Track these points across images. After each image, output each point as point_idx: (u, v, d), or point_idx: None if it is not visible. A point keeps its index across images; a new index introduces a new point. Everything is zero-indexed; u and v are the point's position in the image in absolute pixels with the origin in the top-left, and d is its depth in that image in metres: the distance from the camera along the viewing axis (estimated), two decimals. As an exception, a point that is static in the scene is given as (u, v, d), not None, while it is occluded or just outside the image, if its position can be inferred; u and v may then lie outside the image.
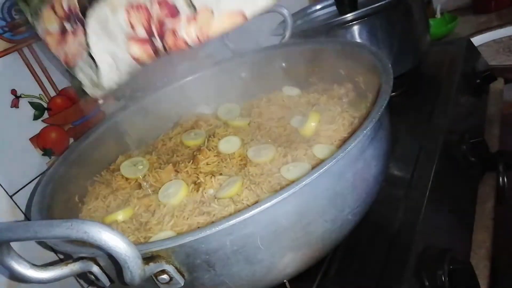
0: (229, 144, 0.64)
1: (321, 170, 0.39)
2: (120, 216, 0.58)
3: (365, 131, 0.43)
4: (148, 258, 0.40)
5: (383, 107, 0.46)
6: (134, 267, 0.34)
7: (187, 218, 0.51)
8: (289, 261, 0.44)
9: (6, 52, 0.71)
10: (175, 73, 0.81)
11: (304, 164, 0.54)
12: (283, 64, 0.82)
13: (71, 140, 0.78)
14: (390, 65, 0.55)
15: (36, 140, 0.73)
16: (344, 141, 0.58)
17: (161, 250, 0.39)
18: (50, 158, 0.74)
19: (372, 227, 0.59)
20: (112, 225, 0.56)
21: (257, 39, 0.92)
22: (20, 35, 0.73)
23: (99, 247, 0.31)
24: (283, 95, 0.73)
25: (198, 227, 0.49)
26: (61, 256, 0.62)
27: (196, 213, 0.52)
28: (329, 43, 0.74)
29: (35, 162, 0.73)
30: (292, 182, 0.49)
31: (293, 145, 0.60)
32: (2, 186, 0.69)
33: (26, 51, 0.74)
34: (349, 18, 0.91)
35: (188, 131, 0.74)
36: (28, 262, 0.40)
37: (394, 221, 0.60)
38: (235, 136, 0.66)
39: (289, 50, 0.81)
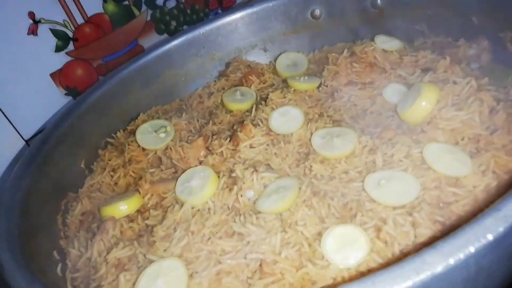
0: (286, 119, 0.44)
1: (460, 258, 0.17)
2: (125, 207, 0.42)
3: None
4: None
5: None
6: None
7: (208, 239, 0.33)
8: None
9: (23, -36, 0.55)
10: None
11: (405, 178, 0.32)
12: (379, 1, 0.57)
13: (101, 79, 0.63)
14: None
15: (59, 76, 0.61)
16: (478, 141, 0.34)
17: None
18: (74, 99, 0.61)
19: None
20: (110, 222, 0.39)
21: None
22: None
23: None
24: (376, 47, 0.51)
25: (220, 261, 0.31)
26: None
27: (222, 232, 0.34)
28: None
29: (56, 103, 0.61)
30: (382, 208, 0.29)
31: (386, 133, 0.38)
32: (16, 130, 0.58)
33: (50, -38, 0.57)
34: None
35: (232, 89, 0.55)
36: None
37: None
38: (296, 108, 0.45)
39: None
